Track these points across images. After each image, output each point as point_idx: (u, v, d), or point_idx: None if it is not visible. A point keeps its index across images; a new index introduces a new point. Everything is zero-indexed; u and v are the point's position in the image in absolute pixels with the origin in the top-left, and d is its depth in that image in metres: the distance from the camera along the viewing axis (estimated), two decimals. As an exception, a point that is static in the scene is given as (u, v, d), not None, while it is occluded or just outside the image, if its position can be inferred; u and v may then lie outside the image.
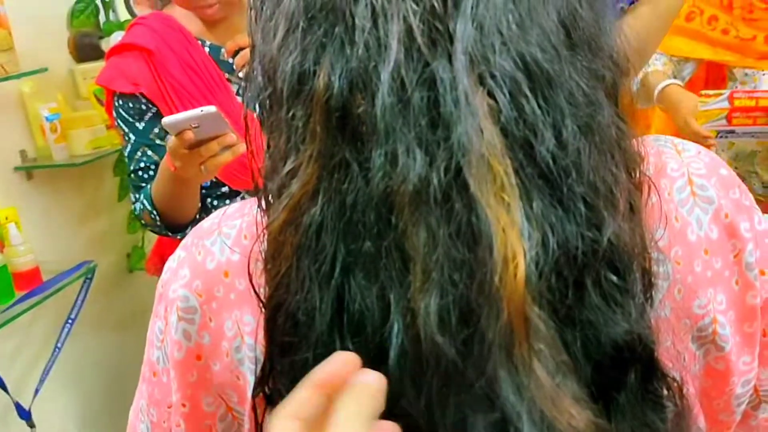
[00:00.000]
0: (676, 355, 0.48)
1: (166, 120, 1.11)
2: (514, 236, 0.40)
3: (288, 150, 0.46)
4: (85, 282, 1.80)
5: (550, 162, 0.41)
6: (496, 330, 0.39)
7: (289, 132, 0.46)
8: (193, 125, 1.08)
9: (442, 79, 0.41)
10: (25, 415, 1.66)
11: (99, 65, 1.91)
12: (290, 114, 0.45)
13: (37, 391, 1.70)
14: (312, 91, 0.43)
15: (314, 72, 0.43)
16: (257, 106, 0.51)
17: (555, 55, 0.43)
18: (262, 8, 0.49)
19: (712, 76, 1.75)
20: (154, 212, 1.30)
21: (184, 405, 0.55)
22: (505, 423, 0.40)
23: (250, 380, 0.52)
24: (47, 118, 1.73)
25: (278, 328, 0.46)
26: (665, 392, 0.45)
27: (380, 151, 0.41)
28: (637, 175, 0.47)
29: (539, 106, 0.42)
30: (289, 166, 0.45)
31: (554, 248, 0.41)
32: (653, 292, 0.47)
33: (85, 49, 1.95)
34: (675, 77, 1.68)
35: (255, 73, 0.49)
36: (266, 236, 0.47)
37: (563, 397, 0.39)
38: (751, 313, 0.52)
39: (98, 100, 1.84)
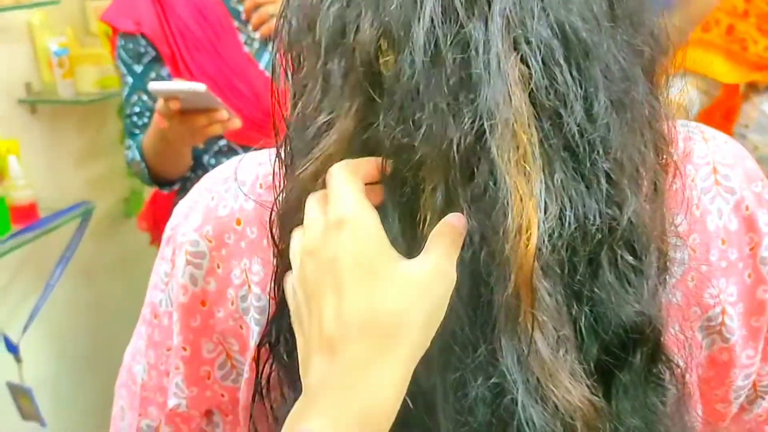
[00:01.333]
0: (683, 342, 0.48)
1: (153, 85, 1.11)
2: (530, 207, 0.40)
3: (322, 102, 0.45)
4: (81, 222, 1.80)
5: (578, 135, 0.41)
6: (502, 297, 0.40)
7: (325, 84, 0.45)
8: (181, 96, 1.07)
9: (476, 41, 0.41)
10: (12, 348, 1.67)
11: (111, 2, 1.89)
12: (327, 66, 0.45)
13: (26, 327, 1.70)
14: (353, 44, 0.43)
15: (357, 26, 0.43)
16: (287, 54, 0.50)
17: (595, 26, 0.42)
18: None
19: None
20: (143, 163, 1.29)
21: (184, 348, 0.55)
22: (502, 389, 0.41)
23: (254, 330, 0.52)
24: (55, 53, 1.72)
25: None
26: (668, 376, 0.46)
27: (409, 109, 0.41)
28: (664, 157, 0.47)
29: (572, 77, 0.41)
30: (323, 118, 0.45)
31: (571, 223, 0.41)
32: (667, 277, 0.47)
33: (98, -16, 1.92)
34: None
35: (290, 20, 0.49)
36: (287, 188, 0.47)
37: (560, 370, 0.40)
38: (759, 308, 0.52)
39: (108, 38, 1.82)
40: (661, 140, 0.46)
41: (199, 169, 1.34)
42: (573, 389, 0.40)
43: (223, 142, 1.33)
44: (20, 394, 1.68)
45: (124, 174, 2.11)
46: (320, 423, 0.38)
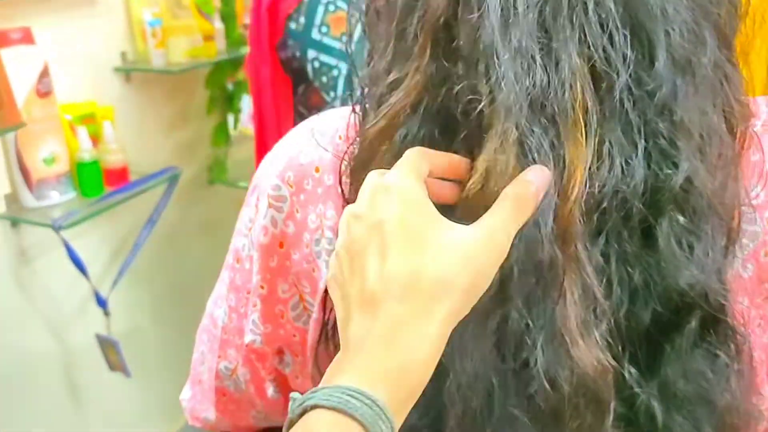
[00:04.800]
0: (749, 317, 0.47)
1: None
2: (578, 171, 0.40)
3: (393, 61, 0.47)
4: (168, 186, 1.87)
5: (634, 96, 0.41)
6: (541, 253, 0.40)
7: (397, 43, 0.47)
8: None
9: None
10: (102, 303, 1.75)
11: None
12: (401, 27, 0.46)
13: (115, 282, 1.79)
14: (426, 6, 0.45)
15: None
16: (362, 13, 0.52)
17: None
18: None
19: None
20: None
21: (262, 287, 0.58)
22: (525, 335, 0.41)
23: (324, 273, 0.54)
24: (149, 23, 1.78)
25: None
26: (732, 350, 0.45)
27: (480, 67, 0.42)
28: (739, 126, 0.46)
29: (632, 39, 0.41)
30: (393, 76, 0.46)
31: (621, 184, 0.41)
32: (735, 247, 0.46)
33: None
34: None
35: None
36: (360, 141, 0.49)
37: (581, 329, 0.40)
38: None
39: (199, 10, 1.88)
40: (733, 106, 0.45)
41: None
42: (589, 350, 0.40)
43: None
44: (108, 346, 1.75)
45: (208, 142, 2.18)
46: (357, 378, 0.38)
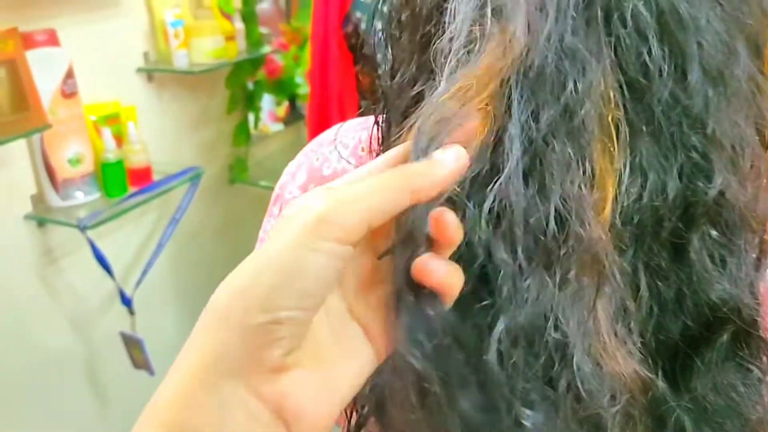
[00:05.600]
0: None
1: None
2: (609, 184, 0.40)
3: (417, 73, 0.47)
4: (191, 186, 1.89)
5: (665, 109, 0.41)
6: (570, 263, 0.39)
7: (420, 56, 0.46)
8: None
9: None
10: (126, 301, 1.78)
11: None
12: (425, 39, 0.46)
13: (139, 281, 1.81)
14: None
15: None
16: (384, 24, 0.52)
17: None
18: None
19: None
20: None
21: None
22: (564, 346, 0.39)
23: None
24: (171, 24, 1.79)
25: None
26: (764, 362, 0.44)
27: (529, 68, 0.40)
28: None
29: (663, 51, 0.41)
30: (417, 89, 0.46)
31: (652, 197, 0.40)
32: (767, 260, 0.46)
33: (211, -41, 1.99)
34: None
35: None
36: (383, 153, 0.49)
37: (615, 342, 0.40)
38: None
39: (221, 11, 1.89)
40: (765, 117, 0.44)
41: None
42: (624, 362, 0.39)
43: None
44: (132, 344, 1.78)
45: (229, 141, 2.20)
46: None
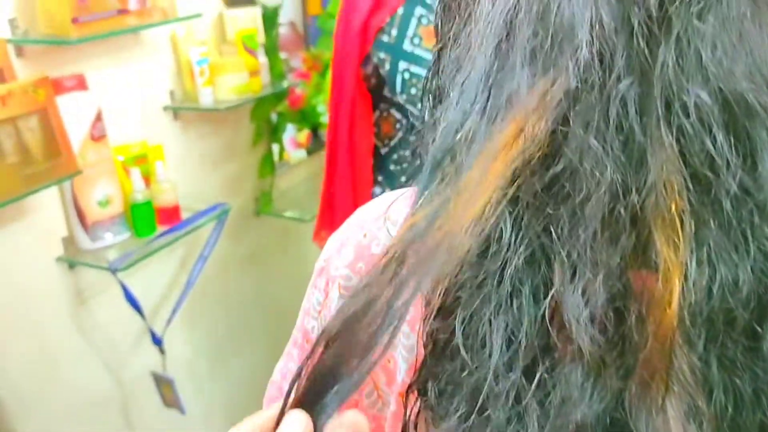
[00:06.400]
0: None
1: None
2: (675, 277, 0.39)
3: None
4: (218, 222, 1.89)
5: (734, 201, 0.40)
6: (636, 362, 0.39)
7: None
8: None
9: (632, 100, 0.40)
10: (157, 341, 1.78)
11: (247, 11, 1.97)
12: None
13: (169, 320, 1.81)
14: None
15: None
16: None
17: (763, 86, 0.40)
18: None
19: None
20: None
21: None
22: None
23: (401, 366, 0.54)
24: (197, 63, 1.80)
25: (441, 331, 0.46)
26: None
27: (567, 159, 0.40)
28: None
29: (731, 142, 0.40)
30: None
31: (723, 292, 0.39)
32: None
33: (235, -6, 2.00)
34: None
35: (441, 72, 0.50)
36: None
37: None
38: None
39: (245, 47, 1.90)
40: None
41: (382, 175, 1.45)
42: None
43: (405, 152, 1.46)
44: (163, 384, 1.78)
45: (254, 174, 2.21)
46: None
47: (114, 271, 1.57)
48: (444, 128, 0.45)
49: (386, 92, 1.43)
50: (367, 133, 1.47)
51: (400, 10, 1.38)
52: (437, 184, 0.44)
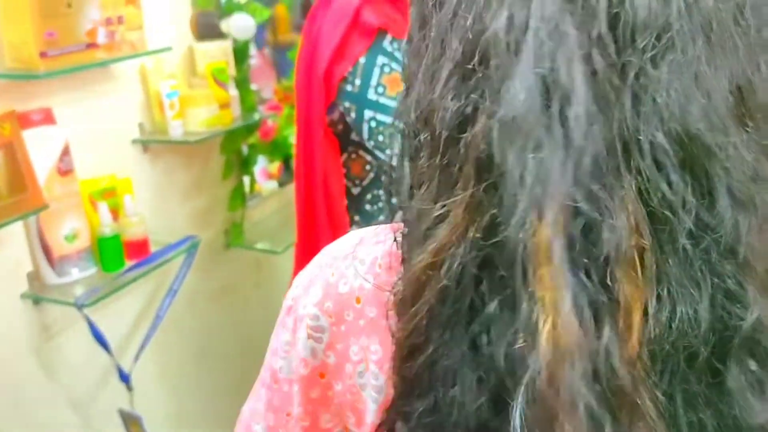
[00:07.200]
0: None
1: None
2: (635, 312, 0.39)
3: (438, 194, 0.46)
4: (188, 256, 1.87)
5: (693, 239, 0.40)
6: (601, 400, 0.38)
7: (442, 177, 0.46)
8: None
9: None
10: (124, 378, 1.74)
11: (217, 45, 1.97)
12: (445, 160, 0.45)
13: (137, 356, 1.77)
14: (469, 138, 0.43)
15: (473, 120, 0.43)
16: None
17: (719, 126, 0.41)
18: (426, 52, 0.49)
19: None
20: None
21: (304, 419, 0.57)
22: None
23: (370, 407, 0.53)
24: (167, 95, 1.79)
25: (410, 371, 0.46)
26: None
27: (523, 206, 0.40)
28: None
29: (690, 179, 0.40)
30: (437, 211, 0.45)
31: (683, 329, 0.40)
32: None
33: (205, 28, 2.00)
34: None
35: (409, 115, 0.50)
36: (405, 275, 0.48)
37: None
38: None
39: (215, 80, 1.90)
40: None
41: (358, 214, 1.46)
42: None
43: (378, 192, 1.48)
44: (131, 421, 1.74)
45: (224, 206, 2.19)
46: None
47: (80, 306, 1.54)
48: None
49: (353, 136, 1.45)
50: (338, 175, 1.47)
51: (362, 60, 1.38)
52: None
